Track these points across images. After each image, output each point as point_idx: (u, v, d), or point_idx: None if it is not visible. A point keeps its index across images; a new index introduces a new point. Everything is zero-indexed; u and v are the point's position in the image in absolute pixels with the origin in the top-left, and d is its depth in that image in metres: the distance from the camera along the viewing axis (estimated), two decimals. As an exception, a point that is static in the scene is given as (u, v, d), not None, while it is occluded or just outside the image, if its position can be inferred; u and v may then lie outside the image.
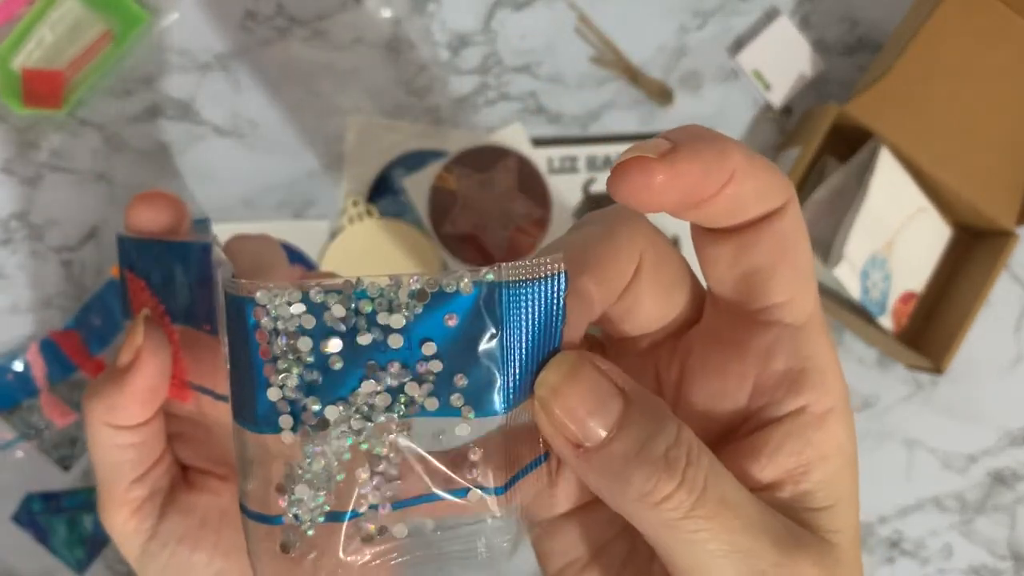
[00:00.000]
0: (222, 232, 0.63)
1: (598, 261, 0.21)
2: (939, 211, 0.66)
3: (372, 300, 0.20)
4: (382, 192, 0.66)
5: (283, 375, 0.20)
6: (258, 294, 0.19)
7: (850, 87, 0.69)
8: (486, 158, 0.67)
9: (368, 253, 0.65)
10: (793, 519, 0.21)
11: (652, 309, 0.23)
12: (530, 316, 0.20)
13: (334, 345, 0.20)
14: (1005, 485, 0.71)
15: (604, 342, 0.25)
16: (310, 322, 0.19)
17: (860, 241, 0.61)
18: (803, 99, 0.69)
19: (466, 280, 0.20)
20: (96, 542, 0.64)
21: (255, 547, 0.21)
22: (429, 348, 0.20)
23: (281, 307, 0.19)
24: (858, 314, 0.64)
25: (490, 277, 0.20)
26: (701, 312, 0.23)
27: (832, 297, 0.64)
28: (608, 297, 0.22)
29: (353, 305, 0.20)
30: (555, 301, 0.20)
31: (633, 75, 0.68)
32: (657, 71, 0.68)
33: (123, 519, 0.30)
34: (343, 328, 0.20)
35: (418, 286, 0.20)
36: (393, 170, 0.66)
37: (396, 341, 0.20)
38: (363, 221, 0.65)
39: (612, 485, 0.20)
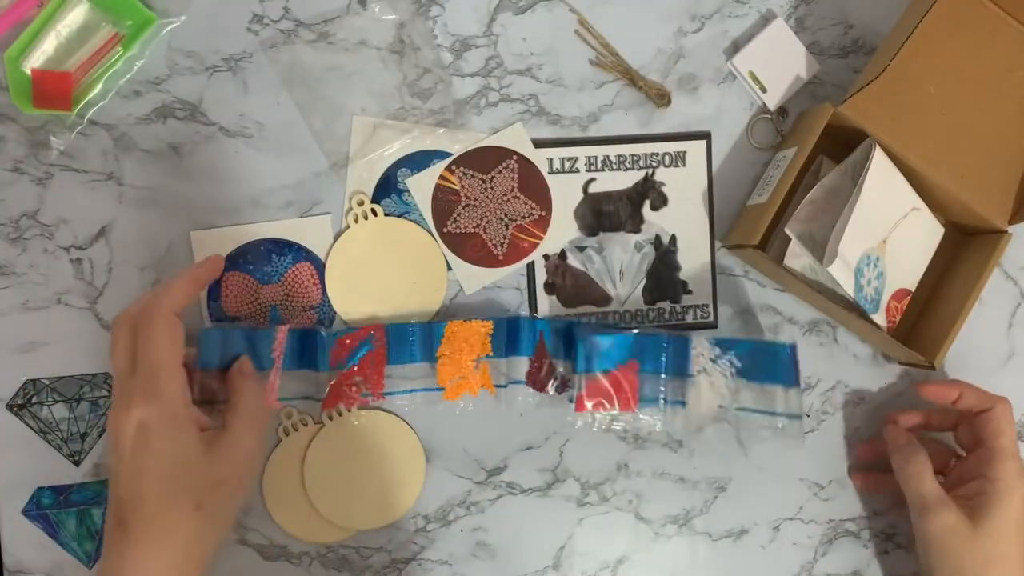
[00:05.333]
0: (229, 234, 0.64)
1: (917, 472, 0.64)
2: (932, 210, 0.67)
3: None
4: (386, 192, 0.67)
5: None
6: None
7: (844, 89, 0.70)
8: (488, 159, 0.68)
9: (372, 251, 0.67)
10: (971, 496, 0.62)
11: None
12: None
13: None
14: (997, 479, 0.72)
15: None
16: None
17: (854, 239, 0.62)
18: (798, 100, 0.70)
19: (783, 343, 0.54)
20: (105, 536, 0.64)
21: None
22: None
23: None
24: (853, 311, 0.65)
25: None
26: None
27: (827, 294, 0.65)
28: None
29: None
30: None
31: (632, 77, 0.69)
32: (655, 74, 0.69)
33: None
34: None
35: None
36: (397, 170, 0.67)
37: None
38: (368, 220, 0.66)
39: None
